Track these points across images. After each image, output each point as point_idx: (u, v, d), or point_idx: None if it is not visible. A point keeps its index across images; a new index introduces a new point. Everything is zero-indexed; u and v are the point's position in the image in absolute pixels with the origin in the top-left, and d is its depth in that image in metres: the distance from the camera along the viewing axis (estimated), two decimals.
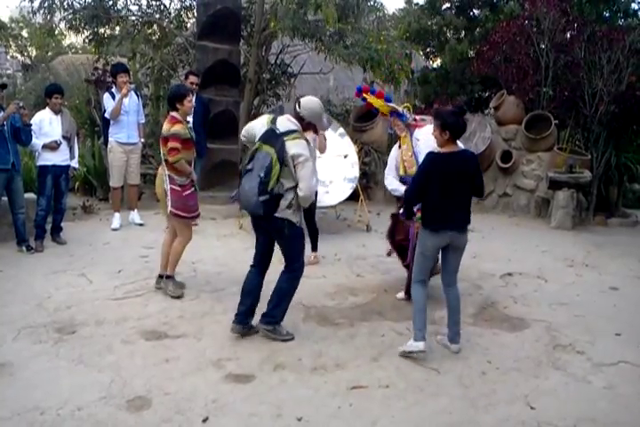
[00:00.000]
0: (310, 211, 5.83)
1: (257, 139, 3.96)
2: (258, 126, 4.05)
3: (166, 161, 4.76)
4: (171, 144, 4.68)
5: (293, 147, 3.86)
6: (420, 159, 4.59)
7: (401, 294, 5.05)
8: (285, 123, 3.97)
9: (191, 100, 4.89)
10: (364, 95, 5.06)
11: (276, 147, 3.83)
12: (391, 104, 5.08)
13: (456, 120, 3.90)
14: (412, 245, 4.76)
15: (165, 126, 4.77)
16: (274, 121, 3.99)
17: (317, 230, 6.08)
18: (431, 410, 3.35)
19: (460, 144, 4.19)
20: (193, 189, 4.90)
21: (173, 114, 4.79)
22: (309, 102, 4.07)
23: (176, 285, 4.96)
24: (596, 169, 8.75)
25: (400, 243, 5.13)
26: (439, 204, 3.92)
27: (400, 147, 5.05)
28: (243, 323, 4.17)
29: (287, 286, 4.15)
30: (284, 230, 4.01)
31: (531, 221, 8.43)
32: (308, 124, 4.11)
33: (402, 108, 5.06)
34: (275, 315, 4.15)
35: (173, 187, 4.79)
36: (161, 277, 5.02)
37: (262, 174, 3.80)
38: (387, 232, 5.30)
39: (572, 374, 3.81)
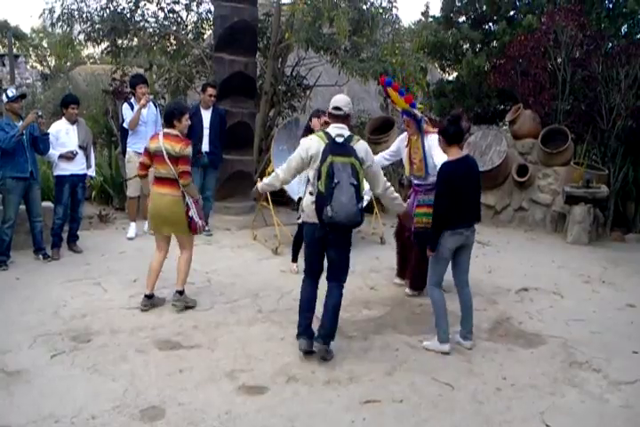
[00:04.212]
0: None
1: (320, 156, 3.88)
2: (314, 145, 3.96)
3: (177, 180, 4.64)
4: (182, 167, 4.56)
5: (361, 150, 3.97)
6: (430, 162, 5.06)
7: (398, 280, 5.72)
8: (338, 131, 3.99)
9: (188, 119, 4.78)
10: (388, 89, 5.11)
11: (352, 154, 3.89)
12: (414, 109, 5.12)
13: (447, 126, 4.21)
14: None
15: (173, 145, 4.59)
16: (327, 134, 3.97)
17: None
18: (445, 426, 3.32)
19: (465, 151, 4.39)
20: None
21: (176, 132, 4.66)
22: (342, 99, 4.14)
23: (187, 297, 4.98)
24: (613, 184, 8.68)
25: (405, 241, 5.50)
26: (454, 206, 4.13)
27: (408, 145, 5.29)
28: (311, 336, 4.06)
29: (340, 300, 4.09)
30: (350, 238, 4.08)
31: (547, 235, 8.36)
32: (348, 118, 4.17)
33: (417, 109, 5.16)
34: (334, 333, 4.08)
35: (193, 200, 4.72)
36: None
37: (355, 182, 3.82)
38: (394, 232, 5.82)
39: (589, 391, 3.76)
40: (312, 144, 3.98)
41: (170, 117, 4.70)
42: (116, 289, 5.27)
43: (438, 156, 4.87)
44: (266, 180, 4.35)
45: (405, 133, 5.39)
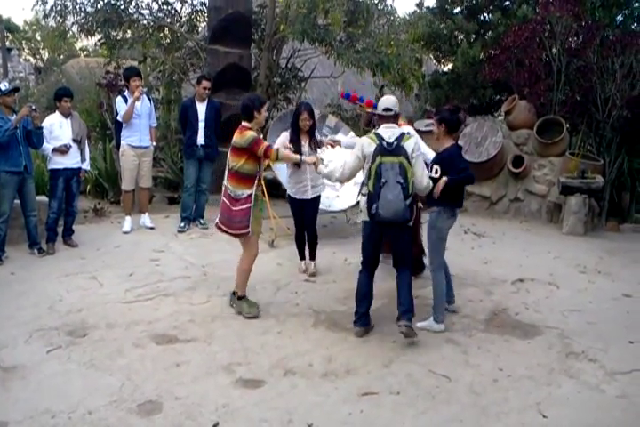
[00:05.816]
0: (313, 215, 5.81)
1: (371, 156, 4.08)
2: (367, 145, 4.16)
3: (230, 170, 4.50)
4: (261, 147, 4.38)
5: (410, 145, 4.10)
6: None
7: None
8: (389, 132, 4.14)
9: (267, 109, 4.63)
10: (355, 102, 5.15)
11: (401, 153, 4.06)
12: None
13: (450, 115, 4.45)
14: None
15: (237, 136, 4.44)
16: (378, 136, 4.13)
17: (317, 237, 5.80)
18: (442, 418, 3.33)
19: (460, 141, 4.58)
20: (249, 205, 4.46)
21: (245, 124, 4.50)
22: (391, 100, 4.31)
23: (250, 304, 4.69)
24: (608, 174, 8.69)
25: None
26: (461, 189, 4.50)
27: None
28: (365, 324, 4.37)
29: (411, 278, 4.35)
30: (410, 232, 4.32)
31: (542, 226, 8.37)
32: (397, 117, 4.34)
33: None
34: (413, 308, 4.26)
35: (224, 199, 4.54)
36: (234, 293, 4.79)
37: (402, 180, 4.01)
38: None
39: (585, 382, 3.77)
40: (365, 144, 4.18)
41: (250, 109, 4.47)
42: (111, 283, 5.25)
43: (423, 148, 4.97)
44: (326, 169, 4.51)
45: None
